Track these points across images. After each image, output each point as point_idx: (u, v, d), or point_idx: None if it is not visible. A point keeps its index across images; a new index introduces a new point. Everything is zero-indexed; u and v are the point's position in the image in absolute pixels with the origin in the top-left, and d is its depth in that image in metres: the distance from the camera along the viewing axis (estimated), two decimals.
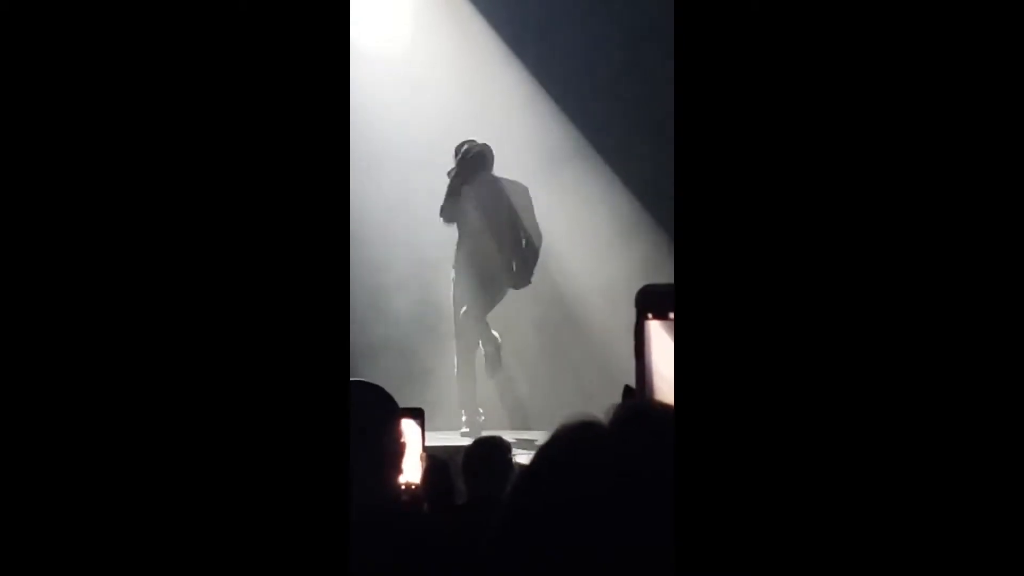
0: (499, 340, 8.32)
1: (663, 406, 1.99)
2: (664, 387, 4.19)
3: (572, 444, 1.64)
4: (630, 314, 4.51)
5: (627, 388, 4.45)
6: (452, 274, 8.30)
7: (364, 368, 7.70)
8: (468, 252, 8.22)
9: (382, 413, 2.86)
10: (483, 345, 8.29)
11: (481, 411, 8.26)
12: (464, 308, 8.22)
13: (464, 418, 8.22)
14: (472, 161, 8.18)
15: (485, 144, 8.28)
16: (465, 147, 8.25)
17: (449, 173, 8.25)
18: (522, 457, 4.78)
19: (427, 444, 4.43)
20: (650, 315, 4.55)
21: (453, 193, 8.18)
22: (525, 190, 8.32)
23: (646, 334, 4.68)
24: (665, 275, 4.72)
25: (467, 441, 6.60)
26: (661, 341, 4.30)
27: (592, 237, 9.15)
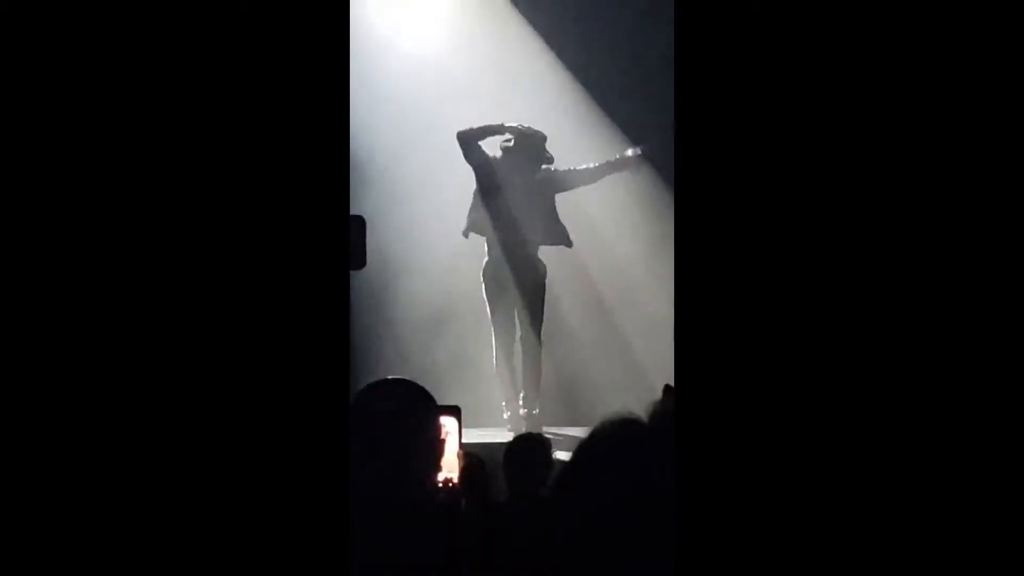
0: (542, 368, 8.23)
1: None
2: None
3: (612, 441, 1.63)
4: (671, 310, 4.50)
5: (667, 387, 4.43)
6: (484, 261, 8.16)
7: (396, 368, 7.69)
8: (509, 246, 8.11)
9: (420, 410, 2.84)
10: (524, 365, 8.18)
11: (525, 409, 8.16)
12: (506, 305, 8.14)
13: (507, 415, 8.14)
14: (533, 146, 8.05)
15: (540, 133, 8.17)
16: (531, 131, 8.12)
17: (504, 141, 8.12)
18: (562, 454, 4.76)
19: (464, 441, 4.43)
20: None
21: (483, 132, 8.05)
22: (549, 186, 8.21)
23: None
24: None
25: (503, 437, 6.56)
26: None
27: (638, 229, 9.10)
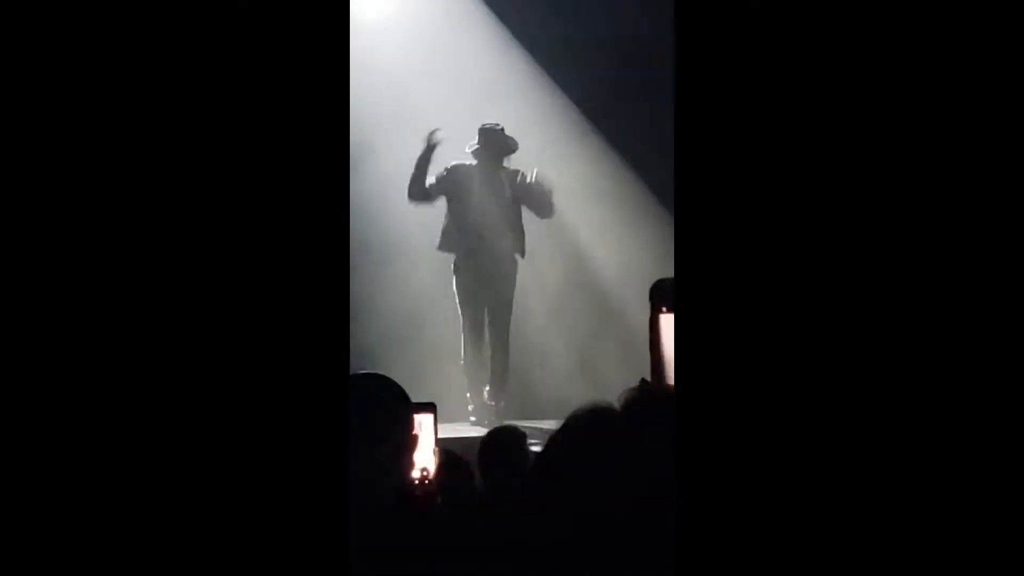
0: (508, 360, 8.31)
1: (672, 391, 2.00)
2: None
3: (584, 431, 1.64)
4: (644, 303, 4.52)
5: (643, 381, 4.45)
6: (454, 263, 8.28)
7: (373, 362, 7.70)
8: (476, 242, 8.19)
9: (394, 407, 2.85)
10: (492, 359, 8.27)
11: (491, 401, 8.23)
12: (475, 301, 8.21)
13: (471, 407, 8.21)
14: (495, 140, 8.15)
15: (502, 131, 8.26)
16: (489, 126, 8.22)
17: (469, 147, 8.24)
18: (537, 447, 4.77)
19: (441, 437, 4.43)
20: (664, 308, 4.57)
21: (420, 172, 8.15)
22: (524, 175, 8.29)
23: (660, 327, 4.70)
24: None
25: (478, 431, 6.59)
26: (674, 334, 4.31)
27: (606, 225, 9.14)
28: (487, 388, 8.23)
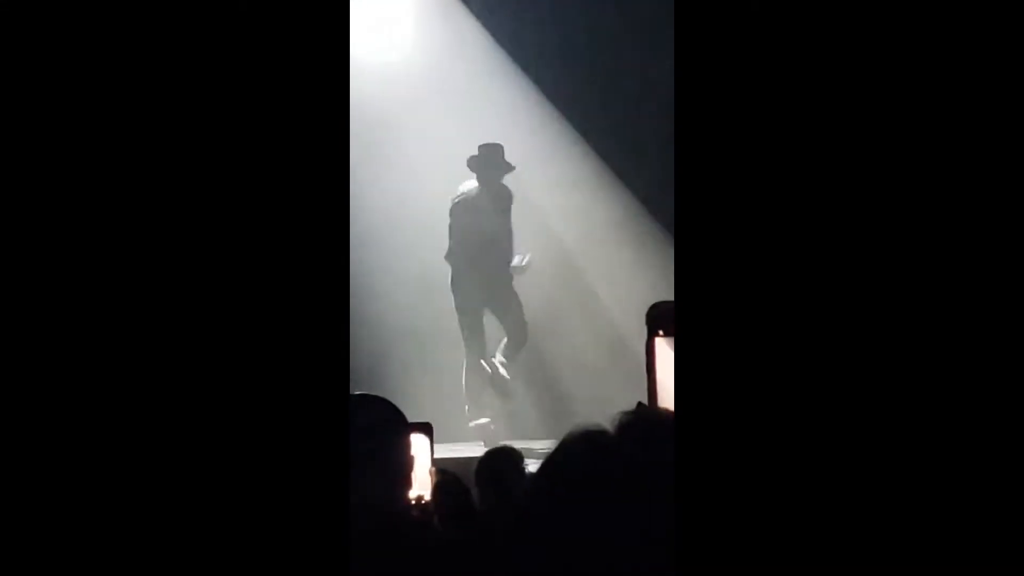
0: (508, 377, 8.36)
1: (667, 414, 2.01)
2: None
3: (579, 452, 1.65)
4: (640, 322, 4.53)
5: (639, 404, 4.45)
6: (451, 276, 8.34)
7: (367, 382, 7.71)
8: (474, 257, 8.25)
9: (390, 428, 2.85)
10: (494, 368, 8.32)
11: (490, 422, 8.28)
12: (474, 309, 8.27)
13: (472, 424, 8.23)
14: (487, 159, 8.23)
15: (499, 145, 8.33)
16: (490, 144, 8.32)
17: (469, 161, 8.31)
18: (534, 467, 4.78)
19: (437, 457, 4.43)
20: (660, 332, 4.57)
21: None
22: (509, 195, 8.37)
23: (656, 351, 4.69)
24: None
25: (475, 451, 6.62)
26: (671, 358, 4.33)
27: (606, 244, 9.17)
28: (490, 375, 8.31)
